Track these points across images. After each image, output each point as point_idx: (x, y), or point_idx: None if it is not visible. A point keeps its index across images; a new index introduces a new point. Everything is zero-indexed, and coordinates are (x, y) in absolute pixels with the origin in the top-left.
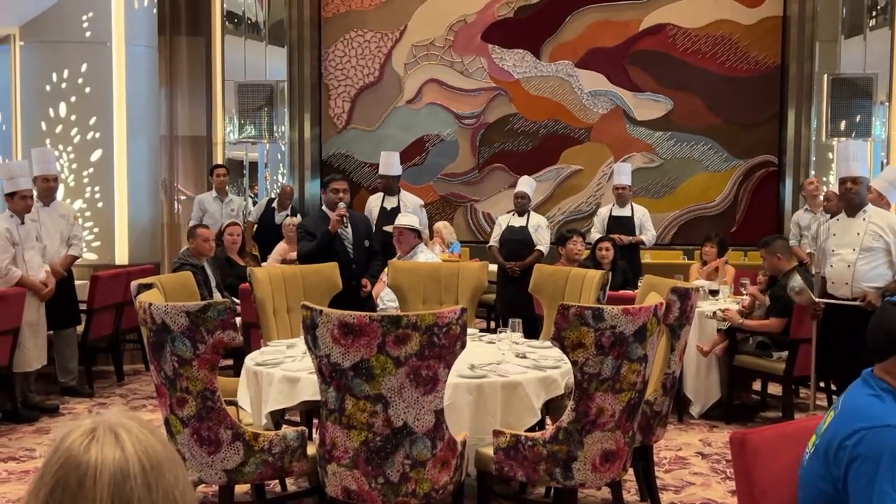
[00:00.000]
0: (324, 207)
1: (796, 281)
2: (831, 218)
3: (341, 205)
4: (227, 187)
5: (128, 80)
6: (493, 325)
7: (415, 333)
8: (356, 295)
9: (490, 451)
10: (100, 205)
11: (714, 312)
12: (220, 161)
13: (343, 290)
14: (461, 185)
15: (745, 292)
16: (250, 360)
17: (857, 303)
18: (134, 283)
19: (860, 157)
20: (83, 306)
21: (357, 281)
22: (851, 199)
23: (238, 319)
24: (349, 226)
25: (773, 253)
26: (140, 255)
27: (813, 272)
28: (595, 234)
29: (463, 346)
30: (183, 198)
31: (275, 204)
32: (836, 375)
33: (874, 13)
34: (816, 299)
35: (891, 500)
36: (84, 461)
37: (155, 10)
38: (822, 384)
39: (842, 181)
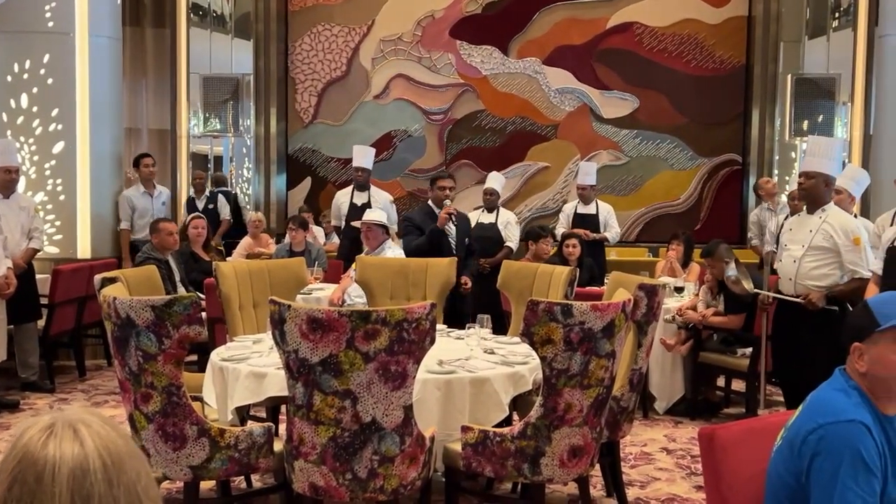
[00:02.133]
0: (430, 202)
1: (731, 270)
2: (791, 215)
3: (447, 202)
4: (153, 179)
5: (91, 72)
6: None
7: (384, 329)
8: (457, 292)
9: (458, 446)
10: (62, 197)
11: (672, 317)
12: (184, 154)
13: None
14: (429, 180)
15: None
16: (216, 355)
17: (797, 299)
18: (97, 277)
19: (821, 154)
20: (44, 300)
21: (459, 278)
22: (801, 193)
23: (203, 314)
24: (455, 223)
25: (719, 259)
26: (102, 248)
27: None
28: (560, 230)
29: (432, 341)
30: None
31: (192, 193)
32: (781, 375)
33: (837, 14)
34: (751, 290)
35: (853, 494)
36: (42, 457)
37: (119, 1)
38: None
39: (798, 175)
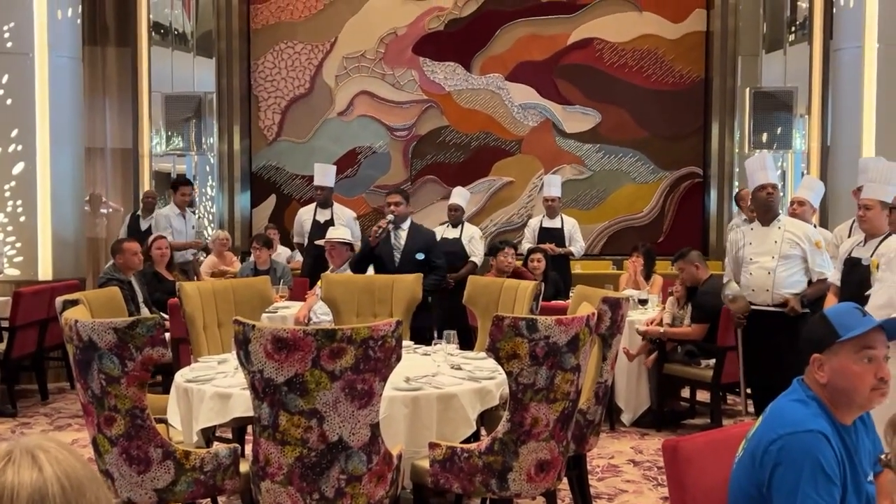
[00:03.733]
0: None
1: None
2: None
3: (389, 217)
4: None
5: (51, 92)
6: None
7: (350, 347)
8: (421, 306)
9: (426, 463)
10: (22, 219)
11: (637, 330)
12: (147, 173)
13: None
14: None
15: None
16: (180, 376)
17: (782, 309)
18: (59, 300)
19: (772, 167)
20: (5, 323)
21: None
22: (770, 203)
23: (167, 335)
24: (401, 238)
25: (690, 262)
26: (64, 270)
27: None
28: (526, 245)
29: (398, 358)
30: (107, 211)
31: (139, 211)
32: (759, 382)
33: (793, 28)
34: (748, 307)
35: (813, 503)
36: (0, 484)
37: (79, 21)
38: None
39: (761, 188)
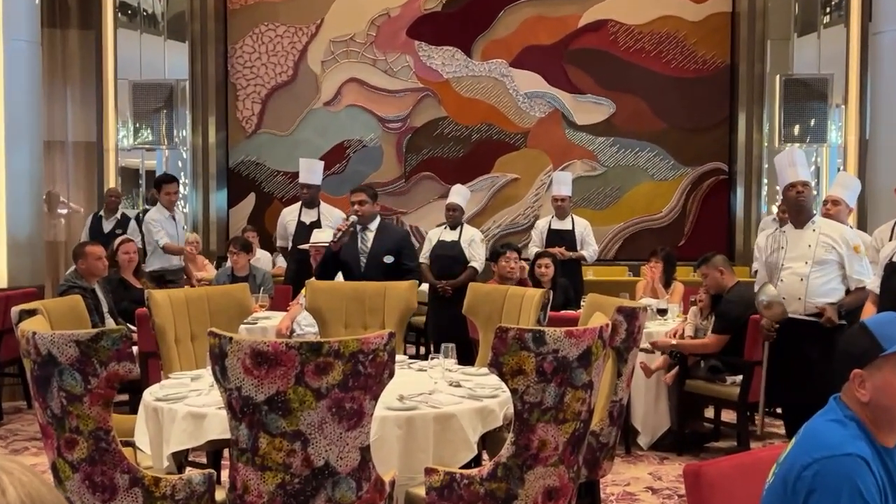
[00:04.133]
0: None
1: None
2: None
3: (352, 217)
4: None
5: (6, 80)
6: (423, 350)
7: (337, 362)
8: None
9: (422, 491)
10: None
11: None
12: (112, 170)
13: None
14: (387, 195)
15: (686, 318)
16: (149, 394)
17: (816, 319)
18: (15, 309)
19: (804, 163)
20: None
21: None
22: (802, 204)
23: (135, 349)
24: (368, 240)
25: (714, 267)
26: (20, 277)
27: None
28: (533, 249)
29: (391, 374)
30: (65, 211)
31: (102, 211)
32: (790, 400)
33: (828, 10)
34: (786, 314)
35: None
36: None
37: (38, 1)
38: (775, 410)
39: (791, 186)
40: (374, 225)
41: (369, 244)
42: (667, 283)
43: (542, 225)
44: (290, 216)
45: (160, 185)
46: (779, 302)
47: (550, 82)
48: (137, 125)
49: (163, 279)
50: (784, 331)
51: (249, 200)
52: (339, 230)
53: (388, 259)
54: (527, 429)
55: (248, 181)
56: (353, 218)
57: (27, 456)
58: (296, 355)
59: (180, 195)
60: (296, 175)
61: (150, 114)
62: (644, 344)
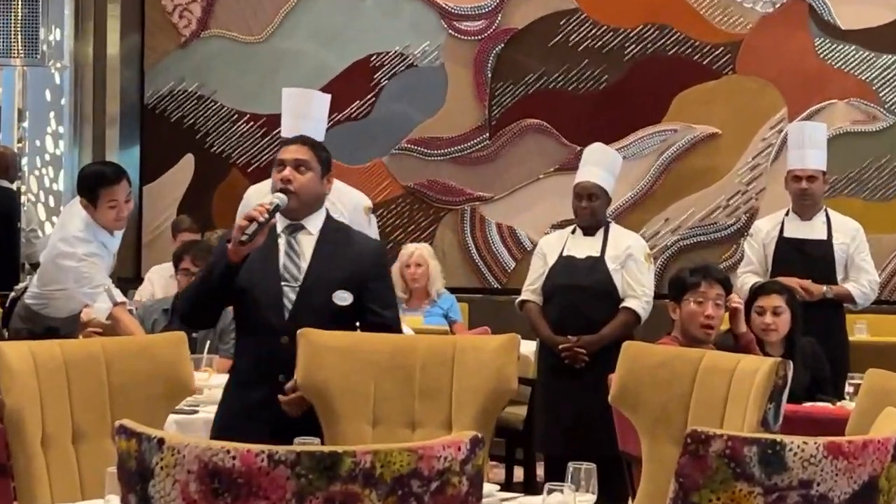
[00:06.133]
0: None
1: None
2: None
3: (274, 199)
4: None
5: None
6: (523, 473)
7: (369, 491)
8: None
9: None
10: None
11: None
12: None
13: (265, 390)
14: (453, 164)
15: None
16: None
17: None
18: None
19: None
20: None
21: (289, 374)
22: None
23: None
24: (303, 249)
25: None
26: None
27: None
28: (749, 278)
29: None
30: None
31: None
32: None
33: None
34: None
35: None
36: None
37: None
38: None
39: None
40: (315, 222)
41: (303, 262)
42: None
43: (764, 228)
44: (258, 198)
45: (96, 189)
46: None
47: None
48: None
49: (41, 325)
50: None
51: (184, 167)
52: (247, 222)
53: (344, 298)
54: None
55: (182, 131)
56: (277, 200)
57: None
58: (288, 476)
59: (48, 153)
60: (273, 119)
61: None
62: None
